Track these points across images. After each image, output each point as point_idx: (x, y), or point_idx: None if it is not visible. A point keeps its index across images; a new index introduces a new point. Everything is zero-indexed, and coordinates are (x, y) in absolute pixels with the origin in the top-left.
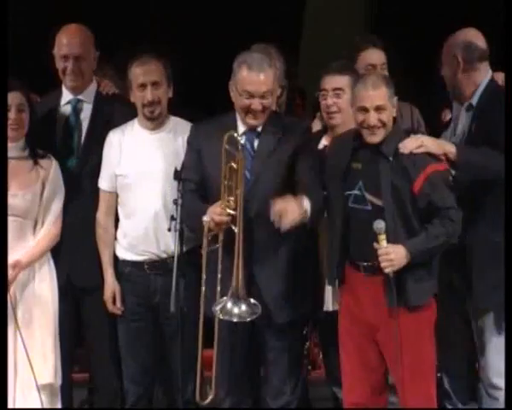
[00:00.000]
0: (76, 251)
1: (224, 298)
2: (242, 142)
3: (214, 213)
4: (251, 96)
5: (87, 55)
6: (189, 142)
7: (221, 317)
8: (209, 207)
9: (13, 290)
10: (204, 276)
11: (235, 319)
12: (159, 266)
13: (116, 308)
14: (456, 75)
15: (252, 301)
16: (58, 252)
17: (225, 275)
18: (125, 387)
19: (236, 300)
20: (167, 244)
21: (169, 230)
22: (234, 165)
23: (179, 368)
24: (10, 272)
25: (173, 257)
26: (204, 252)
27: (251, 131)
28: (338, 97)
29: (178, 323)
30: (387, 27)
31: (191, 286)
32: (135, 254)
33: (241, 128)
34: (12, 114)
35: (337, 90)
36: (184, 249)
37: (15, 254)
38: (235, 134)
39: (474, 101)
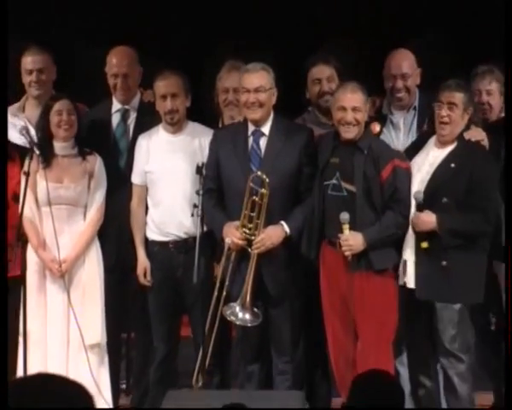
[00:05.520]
0: (123, 235)
1: (235, 304)
2: (250, 143)
3: (234, 236)
4: (247, 91)
5: (133, 73)
6: (210, 145)
7: (228, 318)
8: (227, 222)
9: (65, 269)
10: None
11: (238, 322)
12: (181, 245)
13: (146, 281)
14: (416, 85)
15: (255, 310)
16: (108, 236)
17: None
18: (155, 345)
19: (243, 308)
20: (188, 227)
21: (192, 215)
22: (257, 199)
23: (200, 329)
24: (58, 267)
25: (193, 237)
26: (221, 266)
27: (257, 132)
28: (451, 111)
29: (201, 292)
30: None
31: (209, 262)
32: (162, 235)
33: (250, 129)
34: (64, 117)
35: (450, 104)
36: (204, 230)
37: (66, 236)
38: (260, 173)
39: (417, 102)
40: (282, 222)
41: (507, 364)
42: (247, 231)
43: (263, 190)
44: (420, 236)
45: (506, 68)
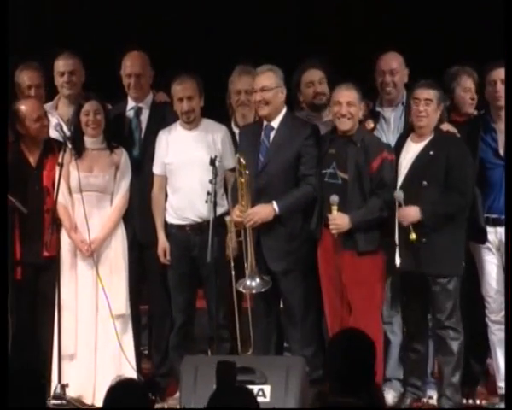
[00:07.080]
0: (140, 217)
1: (244, 279)
2: (262, 136)
3: (233, 214)
4: (255, 91)
5: (145, 73)
6: (238, 138)
7: (243, 291)
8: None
9: (94, 249)
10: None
11: (253, 291)
12: (196, 228)
13: (166, 260)
14: (404, 84)
15: (264, 277)
16: (128, 217)
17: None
18: (174, 315)
19: (252, 278)
20: (202, 212)
21: (206, 202)
22: (243, 180)
23: (213, 300)
24: (88, 248)
25: (207, 221)
26: (229, 242)
27: (268, 126)
28: (428, 106)
29: (214, 268)
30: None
31: (221, 243)
32: (179, 219)
33: (264, 124)
34: (91, 117)
35: (427, 100)
36: (217, 214)
37: (96, 219)
38: (238, 155)
39: (405, 99)
40: (273, 201)
41: (507, 363)
42: (242, 209)
43: (243, 171)
44: (407, 229)
45: (506, 68)
